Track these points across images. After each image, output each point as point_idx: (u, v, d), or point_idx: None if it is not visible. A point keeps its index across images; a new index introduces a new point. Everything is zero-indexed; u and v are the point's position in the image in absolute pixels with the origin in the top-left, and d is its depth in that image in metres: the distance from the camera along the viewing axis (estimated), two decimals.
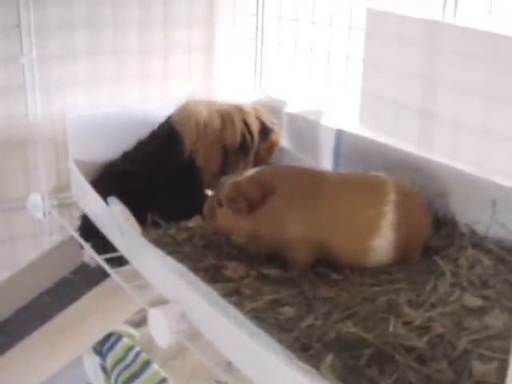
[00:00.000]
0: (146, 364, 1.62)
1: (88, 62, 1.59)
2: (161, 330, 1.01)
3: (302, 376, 0.74)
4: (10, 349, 1.41)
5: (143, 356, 1.62)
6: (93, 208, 1.35)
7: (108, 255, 1.24)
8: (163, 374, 1.59)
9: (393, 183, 1.14)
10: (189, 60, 1.74)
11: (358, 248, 1.12)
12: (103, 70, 1.62)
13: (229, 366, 0.96)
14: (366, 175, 1.19)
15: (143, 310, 1.10)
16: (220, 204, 1.16)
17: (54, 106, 1.57)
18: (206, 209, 1.19)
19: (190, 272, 0.98)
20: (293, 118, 1.59)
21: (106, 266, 1.23)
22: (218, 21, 1.74)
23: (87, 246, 1.30)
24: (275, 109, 1.60)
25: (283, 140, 1.60)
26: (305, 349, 0.89)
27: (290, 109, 1.61)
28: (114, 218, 1.24)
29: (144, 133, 1.47)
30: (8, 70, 1.49)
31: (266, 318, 0.97)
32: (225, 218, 1.16)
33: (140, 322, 1.71)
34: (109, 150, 1.46)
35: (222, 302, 0.90)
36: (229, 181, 1.16)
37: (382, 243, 1.12)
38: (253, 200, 1.12)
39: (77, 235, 1.37)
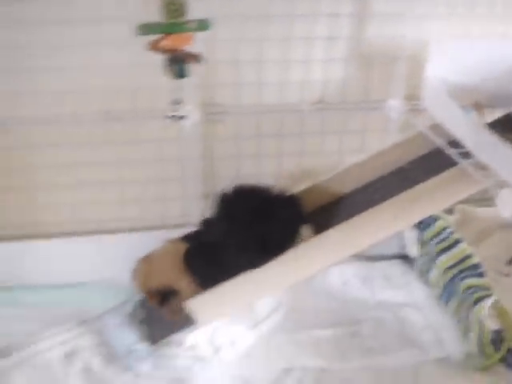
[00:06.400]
0: (457, 241, 1.86)
1: None
2: (507, 205, 1.41)
3: None
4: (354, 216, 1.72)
5: (455, 235, 1.88)
6: (446, 115, 1.67)
7: None
8: (469, 250, 1.86)
9: None
10: None
11: None
12: None
13: None
14: None
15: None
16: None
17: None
18: None
19: None
20: None
21: (457, 157, 1.60)
22: None
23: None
24: None
25: None
26: None
27: None
28: (471, 123, 1.56)
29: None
30: None
31: None
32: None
33: (450, 211, 2.07)
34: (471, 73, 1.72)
35: None
36: None
37: None
38: None
39: (426, 130, 1.74)
